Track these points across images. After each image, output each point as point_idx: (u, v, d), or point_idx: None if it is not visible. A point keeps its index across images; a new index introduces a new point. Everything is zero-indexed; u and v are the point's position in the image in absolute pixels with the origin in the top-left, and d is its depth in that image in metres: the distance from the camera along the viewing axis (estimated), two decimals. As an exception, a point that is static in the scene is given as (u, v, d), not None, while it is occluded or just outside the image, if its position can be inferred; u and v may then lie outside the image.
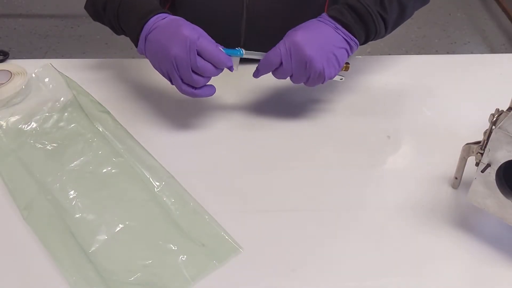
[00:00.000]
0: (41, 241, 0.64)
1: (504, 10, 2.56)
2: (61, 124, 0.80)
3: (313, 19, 0.77)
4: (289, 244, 0.65)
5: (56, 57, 2.49)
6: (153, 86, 0.90)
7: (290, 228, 0.67)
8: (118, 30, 0.82)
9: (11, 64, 0.90)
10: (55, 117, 0.81)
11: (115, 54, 2.37)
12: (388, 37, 0.84)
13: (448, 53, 2.41)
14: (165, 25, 0.73)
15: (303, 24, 0.76)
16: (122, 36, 0.83)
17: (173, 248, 0.63)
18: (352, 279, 0.62)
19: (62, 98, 0.83)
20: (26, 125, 0.79)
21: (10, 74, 0.86)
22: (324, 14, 0.77)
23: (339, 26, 0.75)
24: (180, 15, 0.94)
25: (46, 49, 2.45)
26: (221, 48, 0.73)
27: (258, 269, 0.62)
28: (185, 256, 0.62)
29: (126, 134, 0.78)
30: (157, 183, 0.71)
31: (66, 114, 0.81)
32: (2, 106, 0.82)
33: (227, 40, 0.94)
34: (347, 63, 0.81)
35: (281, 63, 0.73)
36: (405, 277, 0.62)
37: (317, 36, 0.73)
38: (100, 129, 0.79)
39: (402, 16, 0.82)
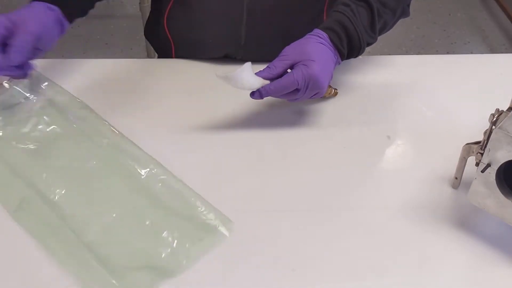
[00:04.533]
0: (36, 239, 0.64)
1: (504, 10, 2.56)
2: (40, 127, 0.79)
3: (317, 42, 0.76)
4: (289, 244, 0.65)
5: (56, 57, 2.48)
6: (153, 87, 0.90)
7: (290, 228, 0.67)
8: None
9: None
10: (33, 120, 0.80)
11: (115, 54, 2.37)
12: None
13: (448, 53, 2.41)
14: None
15: (312, 48, 0.76)
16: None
17: (166, 231, 0.65)
18: (352, 279, 0.62)
19: (40, 100, 0.82)
20: (4, 129, 0.78)
21: None
22: (327, 37, 0.77)
23: (336, 53, 0.78)
24: (181, 16, 0.95)
25: (46, 49, 2.45)
26: None
27: (258, 269, 0.62)
28: (178, 238, 0.64)
29: (108, 127, 0.79)
30: (144, 171, 0.72)
31: (44, 117, 0.80)
32: None
33: (227, 41, 0.94)
34: (335, 89, 0.87)
35: (295, 89, 0.75)
36: (405, 277, 0.62)
37: (327, 65, 0.76)
38: (81, 127, 0.79)
39: (381, 33, 0.85)
